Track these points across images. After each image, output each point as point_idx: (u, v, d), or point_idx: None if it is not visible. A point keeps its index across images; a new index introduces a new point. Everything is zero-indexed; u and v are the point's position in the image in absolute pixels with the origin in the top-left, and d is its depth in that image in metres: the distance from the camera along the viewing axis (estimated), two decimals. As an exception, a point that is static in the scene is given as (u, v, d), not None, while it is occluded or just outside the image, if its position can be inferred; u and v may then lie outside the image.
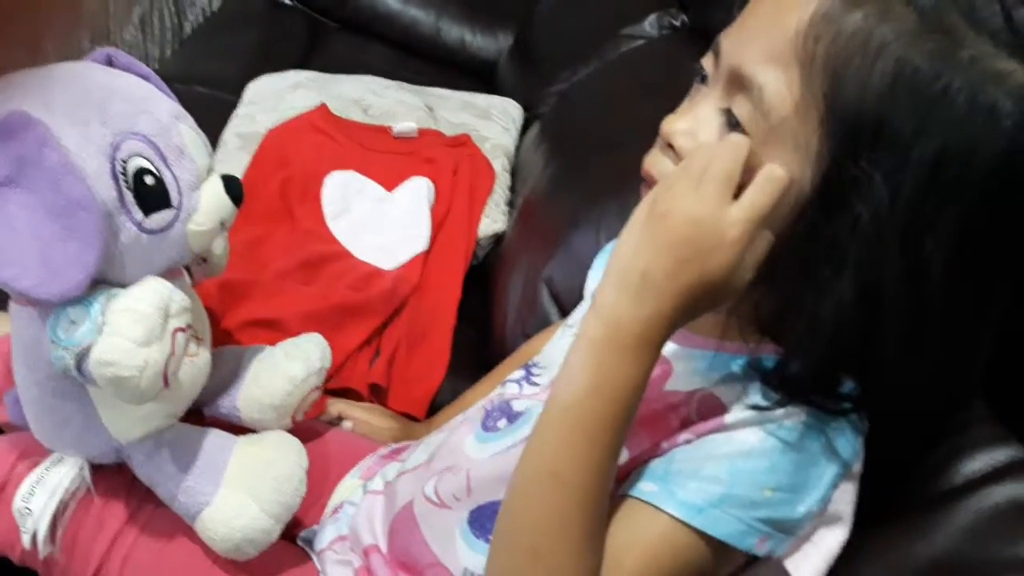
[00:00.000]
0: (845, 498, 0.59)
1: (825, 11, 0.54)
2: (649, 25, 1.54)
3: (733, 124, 0.56)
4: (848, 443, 0.59)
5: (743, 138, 0.56)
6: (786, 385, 0.58)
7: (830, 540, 0.60)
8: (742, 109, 0.56)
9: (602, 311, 0.55)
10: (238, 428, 0.87)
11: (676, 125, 0.60)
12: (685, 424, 0.61)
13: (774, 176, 0.54)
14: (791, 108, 0.54)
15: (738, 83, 0.57)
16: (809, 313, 0.55)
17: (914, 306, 0.54)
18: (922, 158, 0.52)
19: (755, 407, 0.58)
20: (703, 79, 0.61)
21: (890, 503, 0.64)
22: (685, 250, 0.53)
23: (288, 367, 0.88)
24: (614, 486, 0.61)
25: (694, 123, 0.59)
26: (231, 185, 0.81)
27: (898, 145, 0.52)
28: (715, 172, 0.54)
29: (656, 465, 0.60)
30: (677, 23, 1.54)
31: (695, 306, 0.55)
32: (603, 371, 0.55)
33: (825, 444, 0.58)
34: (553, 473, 0.56)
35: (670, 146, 0.60)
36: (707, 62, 0.61)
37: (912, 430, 0.63)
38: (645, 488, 0.59)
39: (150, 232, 0.75)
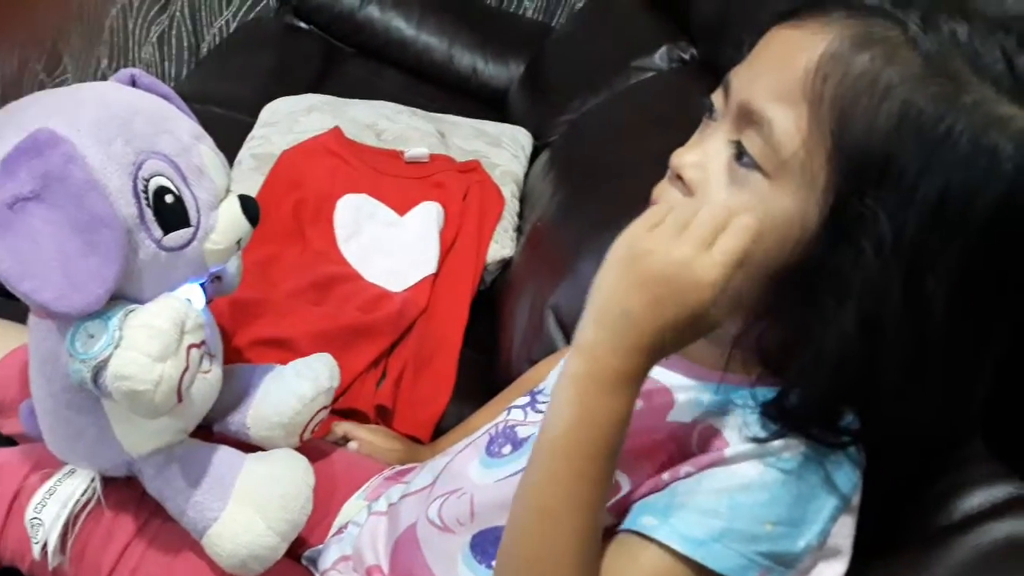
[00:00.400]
0: (844, 531, 0.60)
1: (834, 52, 0.56)
2: (659, 58, 1.56)
3: (742, 156, 0.58)
4: (846, 476, 0.60)
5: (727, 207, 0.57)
6: (786, 416, 0.59)
7: (829, 574, 0.61)
8: (752, 143, 0.58)
9: (583, 348, 0.57)
10: (246, 445, 0.88)
11: (686, 158, 0.62)
12: (686, 455, 0.62)
13: (745, 224, 0.55)
14: (800, 144, 0.56)
15: (747, 118, 0.58)
16: (812, 345, 0.56)
17: (915, 340, 0.55)
18: (926, 197, 0.53)
19: (754, 439, 0.59)
20: (711, 113, 0.63)
21: (889, 537, 0.64)
22: (664, 288, 0.54)
23: (298, 386, 0.89)
24: (614, 520, 0.62)
25: (703, 156, 0.61)
26: (248, 205, 0.82)
27: (903, 184, 0.54)
28: (702, 220, 0.55)
29: (657, 499, 0.61)
30: (687, 57, 1.56)
31: (673, 342, 0.56)
32: (586, 406, 0.56)
33: (824, 477, 0.59)
34: (542, 509, 0.57)
35: (679, 178, 0.62)
36: (717, 97, 0.62)
37: (911, 465, 0.64)
38: (646, 522, 0.59)
39: (168, 250, 0.76)
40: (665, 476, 0.61)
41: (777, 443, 0.59)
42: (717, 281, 0.54)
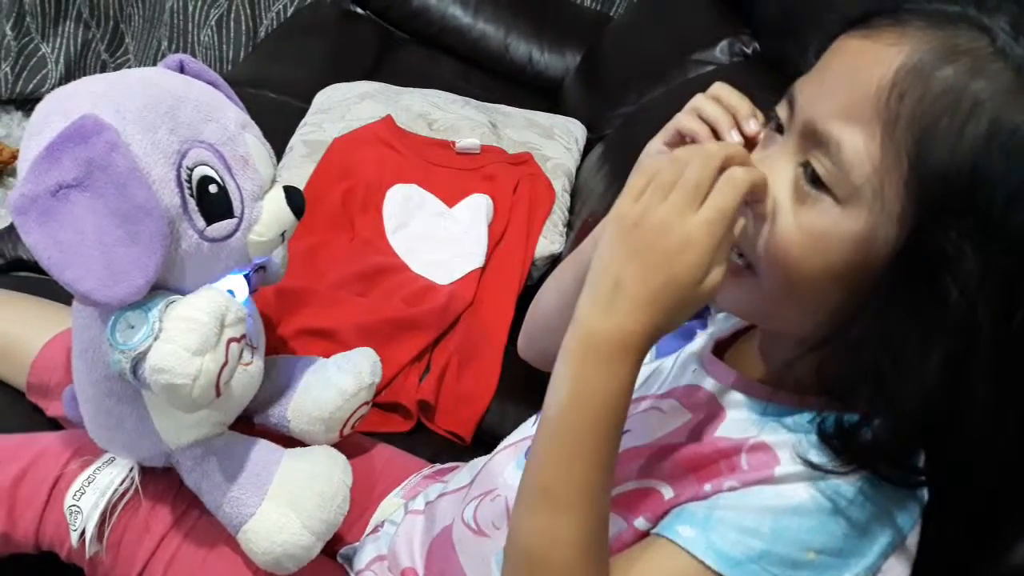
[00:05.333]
0: (896, 571, 0.56)
1: (911, 66, 0.51)
2: (720, 51, 1.52)
3: (812, 179, 0.55)
4: (906, 513, 0.56)
5: (716, 148, 0.55)
6: (854, 450, 0.55)
7: None
8: (821, 165, 0.54)
9: (576, 321, 0.55)
10: (287, 438, 0.87)
11: None
12: (733, 470, 0.59)
13: (734, 178, 0.54)
14: (872, 167, 0.52)
15: (813, 138, 0.55)
16: (890, 381, 0.53)
17: (1005, 379, 0.52)
18: (1013, 228, 0.49)
19: (809, 463, 0.56)
20: (779, 128, 0.59)
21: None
22: (653, 255, 0.53)
23: (339, 380, 0.88)
24: (650, 526, 0.60)
25: (768, 174, 0.57)
26: (293, 197, 0.81)
27: (991, 212, 0.50)
28: (684, 182, 0.54)
29: (697, 509, 0.58)
30: (749, 51, 1.51)
31: (668, 312, 0.54)
32: (580, 382, 0.55)
33: (881, 510, 0.55)
34: (543, 489, 0.56)
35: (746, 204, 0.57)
36: (782, 111, 0.59)
37: (979, 504, 0.60)
38: (683, 532, 0.57)
39: (211, 240, 0.75)
40: (708, 487, 0.59)
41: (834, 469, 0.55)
42: (703, 241, 0.53)
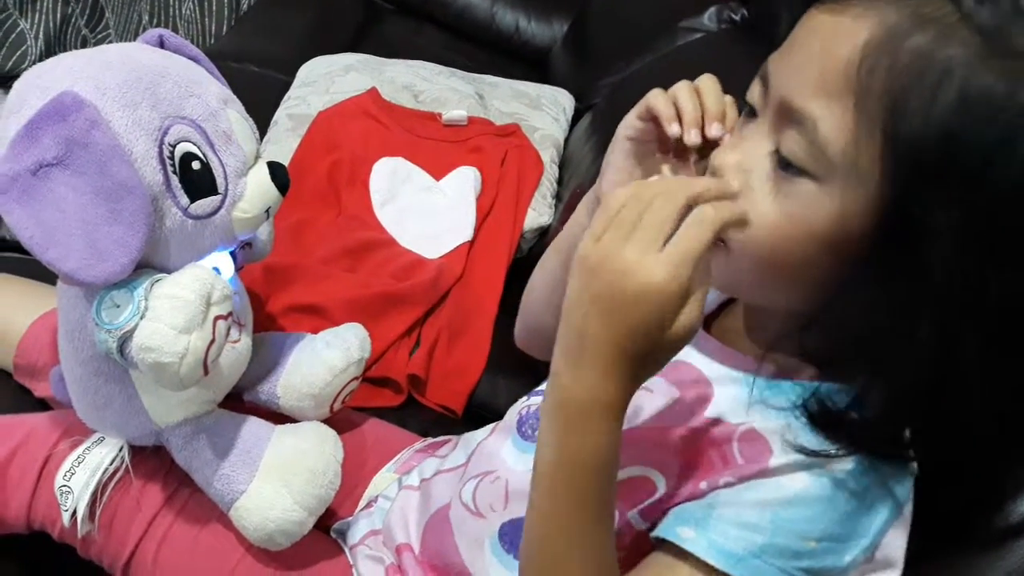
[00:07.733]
0: (895, 543, 0.57)
1: (880, 39, 0.50)
2: (708, 18, 1.51)
3: (785, 164, 0.54)
4: (900, 487, 0.56)
5: (679, 185, 0.53)
6: (846, 432, 0.55)
7: None
8: (796, 144, 0.53)
9: (553, 378, 0.54)
10: (277, 415, 0.87)
11: (727, 158, 0.58)
12: (726, 462, 0.59)
13: (703, 218, 0.51)
14: (848, 143, 0.51)
15: (787, 116, 0.54)
16: (881, 357, 0.53)
17: (994, 347, 0.51)
18: (996, 188, 0.49)
19: (803, 449, 0.56)
20: (751, 112, 0.58)
21: (946, 540, 0.61)
22: (613, 302, 0.51)
23: (328, 356, 0.88)
24: (647, 525, 0.60)
25: (743, 157, 0.57)
26: (277, 172, 0.80)
27: (967, 177, 0.49)
28: (645, 222, 0.51)
29: (695, 509, 0.58)
30: (737, 17, 1.50)
31: (640, 361, 0.52)
32: (563, 444, 0.54)
33: (876, 492, 0.55)
34: (543, 538, 0.56)
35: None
36: (754, 92, 0.57)
37: (974, 469, 0.60)
38: (684, 534, 0.57)
39: (195, 217, 0.75)
40: (703, 485, 0.59)
41: (828, 455, 0.55)
42: (667, 282, 0.50)
